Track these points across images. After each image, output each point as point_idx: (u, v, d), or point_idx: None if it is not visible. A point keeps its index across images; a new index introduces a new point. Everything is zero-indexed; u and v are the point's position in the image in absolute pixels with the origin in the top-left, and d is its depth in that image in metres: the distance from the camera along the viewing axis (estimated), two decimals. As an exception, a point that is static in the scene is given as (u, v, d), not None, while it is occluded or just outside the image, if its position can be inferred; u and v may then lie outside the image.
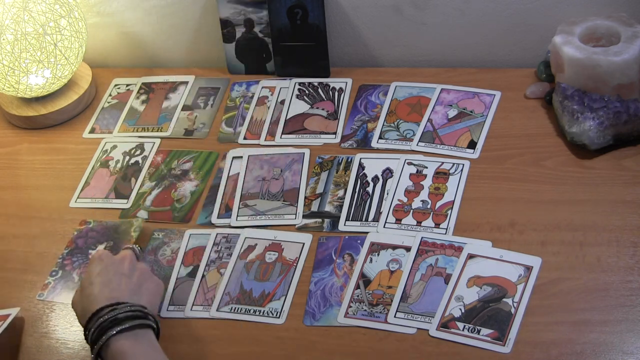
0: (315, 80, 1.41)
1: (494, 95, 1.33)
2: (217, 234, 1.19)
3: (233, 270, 1.14)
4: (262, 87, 1.43)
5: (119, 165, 1.33)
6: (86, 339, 0.96)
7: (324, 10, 1.36)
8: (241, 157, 1.30)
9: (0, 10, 1.30)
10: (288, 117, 1.36)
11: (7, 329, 1.08)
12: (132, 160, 1.33)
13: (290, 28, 1.39)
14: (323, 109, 1.36)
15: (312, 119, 1.35)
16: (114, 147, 1.36)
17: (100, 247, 1.18)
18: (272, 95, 1.41)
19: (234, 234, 1.19)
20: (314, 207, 1.21)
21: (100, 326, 0.94)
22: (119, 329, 0.94)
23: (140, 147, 1.35)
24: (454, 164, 1.23)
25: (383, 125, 1.31)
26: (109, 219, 1.24)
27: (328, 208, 1.20)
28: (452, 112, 1.31)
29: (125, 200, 1.27)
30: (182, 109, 1.41)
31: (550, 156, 1.22)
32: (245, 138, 1.34)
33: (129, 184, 1.29)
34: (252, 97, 1.41)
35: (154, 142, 1.35)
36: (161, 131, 1.38)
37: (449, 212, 1.16)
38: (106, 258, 1.05)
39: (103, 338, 0.93)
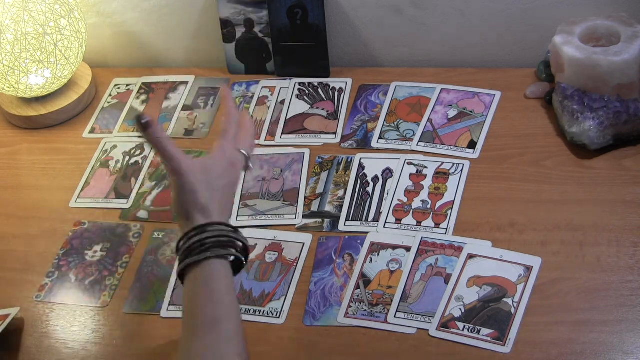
0: (315, 80, 1.41)
1: (494, 95, 1.33)
2: (217, 234, 1.19)
3: (233, 270, 1.14)
4: (262, 87, 1.43)
5: (119, 165, 1.33)
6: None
7: (324, 10, 1.36)
8: (241, 157, 1.30)
9: (0, 10, 1.30)
10: (288, 117, 1.36)
11: (7, 329, 1.08)
12: (132, 160, 1.33)
13: (290, 28, 1.39)
14: (323, 109, 1.36)
15: (312, 119, 1.35)
16: (114, 147, 1.36)
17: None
18: (272, 95, 1.41)
19: (234, 234, 1.19)
20: (314, 207, 1.21)
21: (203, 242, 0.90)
22: (210, 254, 0.89)
23: (140, 147, 1.35)
24: (454, 164, 1.23)
25: (383, 125, 1.31)
26: (109, 219, 1.24)
27: (328, 208, 1.20)
28: (452, 112, 1.31)
29: (125, 200, 1.27)
30: (182, 109, 1.41)
31: (550, 156, 1.22)
32: (245, 138, 1.34)
33: (129, 184, 1.29)
34: (252, 97, 1.41)
35: (154, 142, 1.35)
36: (161, 131, 1.38)
37: (449, 212, 1.16)
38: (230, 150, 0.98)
39: (199, 254, 0.89)
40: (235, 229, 0.92)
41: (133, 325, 1.10)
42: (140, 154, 1.34)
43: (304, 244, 1.16)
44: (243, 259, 0.93)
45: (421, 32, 1.41)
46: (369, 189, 1.22)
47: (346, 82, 1.40)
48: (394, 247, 1.13)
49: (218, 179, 0.94)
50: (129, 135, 1.38)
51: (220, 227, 0.91)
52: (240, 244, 0.92)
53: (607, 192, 1.16)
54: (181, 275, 0.91)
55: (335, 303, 1.08)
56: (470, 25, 1.39)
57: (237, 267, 0.93)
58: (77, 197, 1.29)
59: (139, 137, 0.93)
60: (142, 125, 0.92)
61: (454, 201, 1.18)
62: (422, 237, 1.13)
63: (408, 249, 1.12)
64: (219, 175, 0.94)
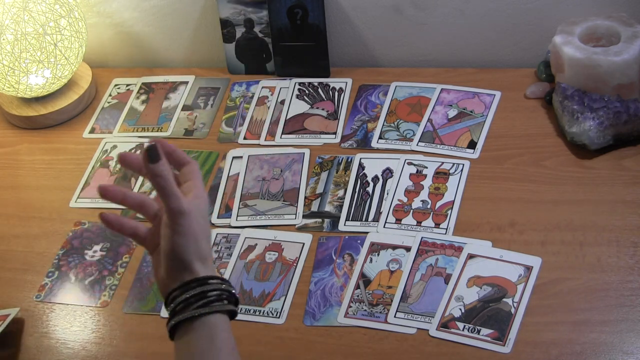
0: (315, 80, 1.41)
1: (494, 95, 1.33)
2: (217, 234, 1.19)
3: (233, 270, 1.14)
4: (262, 87, 1.43)
5: (119, 165, 1.33)
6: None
7: (324, 10, 1.36)
8: (241, 157, 1.30)
9: (0, 10, 1.30)
10: (288, 117, 1.36)
11: (7, 329, 1.08)
12: (132, 160, 1.33)
13: (290, 28, 1.39)
14: (323, 109, 1.36)
15: (312, 119, 1.35)
16: (114, 147, 1.36)
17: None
18: (272, 95, 1.41)
19: (234, 234, 1.19)
20: (314, 207, 1.21)
21: (191, 298, 0.81)
22: (215, 308, 0.82)
23: (140, 147, 1.35)
24: (454, 164, 1.23)
25: (383, 125, 1.31)
26: (109, 219, 1.24)
27: (328, 208, 1.20)
28: (452, 112, 1.31)
29: (125, 200, 1.26)
30: (182, 109, 1.41)
31: (550, 156, 1.22)
32: (245, 138, 1.34)
33: (129, 184, 1.29)
34: (252, 97, 1.41)
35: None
36: (161, 131, 1.38)
37: (449, 212, 1.16)
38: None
39: (201, 310, 0.81)
40: (229, 283, 0.85)
41: (133, 325, 1.10)
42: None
43: (304, 244, 1.16)
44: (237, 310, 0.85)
45: (421, 32, 1.41)
46: (369, 189, 1.22)
47: (346, 82, 1.40)
48: (394, 247, 1.13)
49: (208, 224, 0.85)
50: (129, 135, 1.38)
51: (219, 280, 0.83)
52: (234, 298, 0.85)
53: (607, 192, 1.16)
54: (172, 330, 0.81)
55: (335, 303, 1.08)
56: (470, 25, 1.39)
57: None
58: (77, 197, 1.29)
59: (140, 143, 0.85)
60: (153, 156, 0.82)
61: (454, 201, 1.18)
62: (422, 237, 1.13)
63: (408, 249, 1.12)
64: (205, 217, 0.84)
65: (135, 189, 1.28)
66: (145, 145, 0.82)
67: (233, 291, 0.84)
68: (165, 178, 0.81)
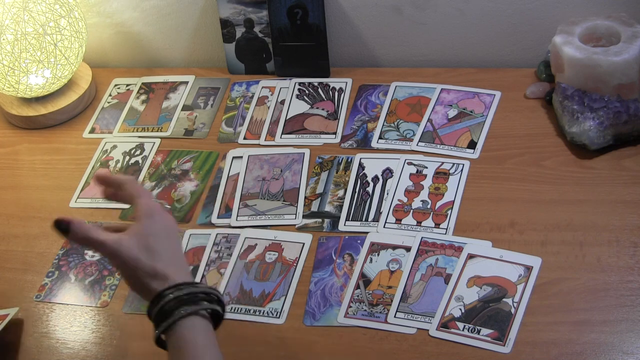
0: (315, 80, 1.41)
1: (494, 95, 1.33)
2: (217, 234, 1.19)
3: (233, 270, 1.14)
4: (262, 87, 1.43)
5: (119, 165, 1.33)
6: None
7: (324, 10, 1.36)
8: (241, 157, 1.30)
9: (0, 10, 1.30)
10: (288, 117, 1.36)
11: (7, 329, 1.08)
12: (132, 160, 1.33)
13: (290, 28, 1.39)
14: (323, 109, 1.36)
15: (312, 119, 1.35)
16: (114, 147, 1.36)
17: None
18: (272, 95, 1.41)
19: (234, 234, 1.19)
20: (314, 207, 1.21)
21: (171, 302, 0.86)
22: (182, 313, 0.85)
23: (140, 147, 1.35)
24: (454, 164, 1.23)
25: (383, 125, 1.31)
26: (109, 219, 1.24)
27: (328, 208, 1.20)
28: (452, 112, 1.31)
29: (125, 201, 1.26)
30: (182, 109, 1.41)
31: (550, 156, 1.22)
32: (245, 138, 1.34)
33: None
34: (252, 97, 1.41)
35: (154, 142, 1.35)
36: (161, 131, 1.38)
37: (449, 212, 1.16)
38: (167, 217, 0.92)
39: (177, 316, 0.85)
40: (195, 283, 0.87)
41: (133, 325, 1.10)
42: (140, 154, 1.34)
43: (304, 244, 1.16)
44: (219, 309, 0.88)
45: (421, 32, 1.41)
46: (369, 189, 1.22)
47: (346, 82, 1.40)
48: (394, 247, 1.13)
49: (157, 238, 0.88)
50: (129, 135, 1.38)
51: (180, 286, 0.86)
52: (213, 295, 0.87)
53: (607, 192, 1.16)
54: (161, 344, 0.87)
55: (335, 303, 1.08)
56: (470, 25, 1.39)
57: (218, 319, 0.89)
58: (77, 197, 1.29)
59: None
60: (64, 229, 0.88)
61: (454, 201, 1.18)
62: (422, 237, 1.13)
63: (408, 249, 1.12)
64: (155, 233, 0.88)
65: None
66: (53, 223, 0.89)
67: (193, 290, 0.86)
68: (86, 237, 0.87)
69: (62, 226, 0.88)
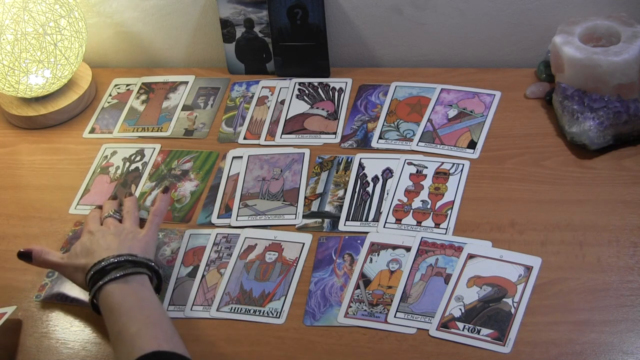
0: (315, 80, 1.41)
1: (494, 95, 1.33)
2: (217, 234, 1.19)
3: (233, 270, 1.14)
4: (262, 87, 1.43)
5: (119, 171, 1.32)
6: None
7: (324, 10, 1.36)
8: (241, 157, 1.30)
9: (0, 10, 1.30)
10: (288, 117, 1.36)
11: (6, 329, 1.08)
12: (132, 167, 1.32)
13: (290, 28, 1.39)
14: (323, 109, 1.36)
15: (312, 119, 1.35)
16: (114, 152, 1.35)
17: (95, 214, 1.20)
18: (272, 95, 1.41)
19: (234, 234, 1.19)
20: (314, 207, 1.21)
21: (91, 279, 1.03)
22: (107, 278, 1.02)
23: (141, 153, 1.34)
24: (454, 164, 1.23)
25: (383, 125, 1.31)
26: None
27: (328, 208, 1.20)
28: (452, 112, 1.31)
29: (125, 206, 1.26)
30: (182, 109, 1.41)
31: (550, 156, 1.22)
32: (245, 138, 1.34)
33: (129, 191, 1.28)
34: (252, 97, 1.41)
35: (154, 148, 1.34)
36: (161, 131, 1.38)
37: (449, 212, 1.16)
38: (94, 229, 1.12)
39: (93, 288, 1.02)
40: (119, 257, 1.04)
41: (133, 325, 1.10)
42: (140, 160, 1.33)
43: (304, 244, 1.16)
44: (142, 271, 1.04)
45: (421, 32, 1.41)
46: (369, 189, 1.22)
47: (346, 82, 1.40)
48: (394, 247, 1.13)
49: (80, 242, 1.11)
50: (128, 135, 1.38)
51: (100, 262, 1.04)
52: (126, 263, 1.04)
53: (607, 192, 1.16)
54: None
55: (335, 303, 1.08)
56: (470, 25, 1.39)
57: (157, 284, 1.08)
58: (77, 204, 1.28)
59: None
60: (26, 257, 1.12)
61: (454, 201, 1.18)
62: (422, 237, 1.13)
63: (408, 249, 1.12)
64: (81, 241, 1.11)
65: (137, 193, 1.28)
66: (18, 254, 1.13)
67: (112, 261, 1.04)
68: (46, 261, 1.11)
69: (25, 254, 1.12)
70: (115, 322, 0.98)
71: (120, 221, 1.13)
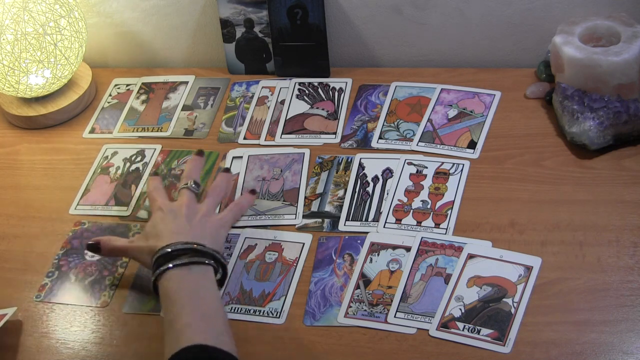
0: (315, 80, 1.41)
1: (494, 95, 1.33)
2: (217, 234, 1.19)
3: (233, 270, 1.14)
4: (262, 87, 1.43)
5: (119, 172, 1.32)
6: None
7: (324, 10, 1.36)
8: (241, 157, 1.30)
9: (0, 10, 1.30)
10: (288, 117, 1.36)
11: (6, 329, 1.07)
12: (133, 167, 1.32)
13: (290, 28, 1.39)
14: (323, 109, 1.36)
15: (312, 119, 1.35)
16: (115, 153, 1.35)
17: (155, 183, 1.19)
18: (272, 95, 1.41)
19: (234, 234, 1.19)
20: (314, 207, 1.21)
21: (155, 261, 1.03)
22: (171, 265, 1.01)
23: (141, 153, 1.34)
24: (454, 164, 1.23)
25: (383, 125, 1.31)
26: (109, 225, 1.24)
27: (328, 208, 1.20)
28: (452, 112, 1.31)
29: (125, 208, 1.26)
30: (182, 109, 1.41)
31: (550, 156, 1.22)
32: (245, 138, 1.34)
33: (129, 191, 1.28)
34: (252, 97, 1.41)
35: (155, 149, 1.34)
36: (161, 131, 1.38)
37: (449, 212, 1.16)
38: (164, 206, 1.12)
39: (156, 272, 1.02)
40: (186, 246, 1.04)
41: (133, 325, 1.10)
42: (141, 160, 1.33)
43: (304, 244, 1.16)
44: (207, 262, 1.04)
45: (421, 32, 1.41)
46: (369, 189, 1.22)
47: (346, 82, 1.40)
48: (394, 247, 1.13)
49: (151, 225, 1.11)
50: (128, 135, 1.38)
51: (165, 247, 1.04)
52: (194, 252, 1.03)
53: (607, 192, 1.16)
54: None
55: (335, 303, 1.08)
56: (470, 25, 1.39)
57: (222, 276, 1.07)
58: (77, 205, 1.28)
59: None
60: (94, 248, 1.12)
61: (454, 201, 1.18)
62: (422, 237, 1.13)
63: (408, 249, 1.12)
64: (152, 223, 1.11)
65: (135, 197, 1.27)
66: (87, 246, 1.14)
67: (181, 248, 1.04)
68: (115, 249, 1.12)
69: (94, 251, 1.13)
70: (170, 309, 0.98)
71: (197, 196, 1.14)
